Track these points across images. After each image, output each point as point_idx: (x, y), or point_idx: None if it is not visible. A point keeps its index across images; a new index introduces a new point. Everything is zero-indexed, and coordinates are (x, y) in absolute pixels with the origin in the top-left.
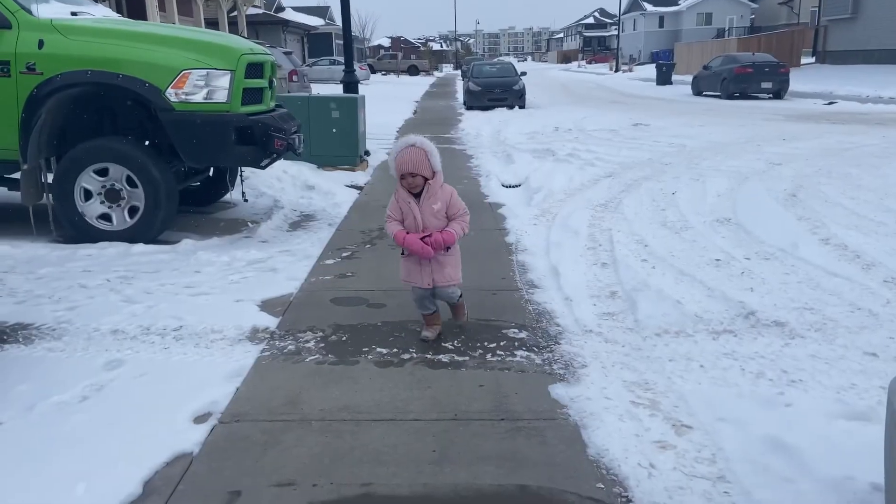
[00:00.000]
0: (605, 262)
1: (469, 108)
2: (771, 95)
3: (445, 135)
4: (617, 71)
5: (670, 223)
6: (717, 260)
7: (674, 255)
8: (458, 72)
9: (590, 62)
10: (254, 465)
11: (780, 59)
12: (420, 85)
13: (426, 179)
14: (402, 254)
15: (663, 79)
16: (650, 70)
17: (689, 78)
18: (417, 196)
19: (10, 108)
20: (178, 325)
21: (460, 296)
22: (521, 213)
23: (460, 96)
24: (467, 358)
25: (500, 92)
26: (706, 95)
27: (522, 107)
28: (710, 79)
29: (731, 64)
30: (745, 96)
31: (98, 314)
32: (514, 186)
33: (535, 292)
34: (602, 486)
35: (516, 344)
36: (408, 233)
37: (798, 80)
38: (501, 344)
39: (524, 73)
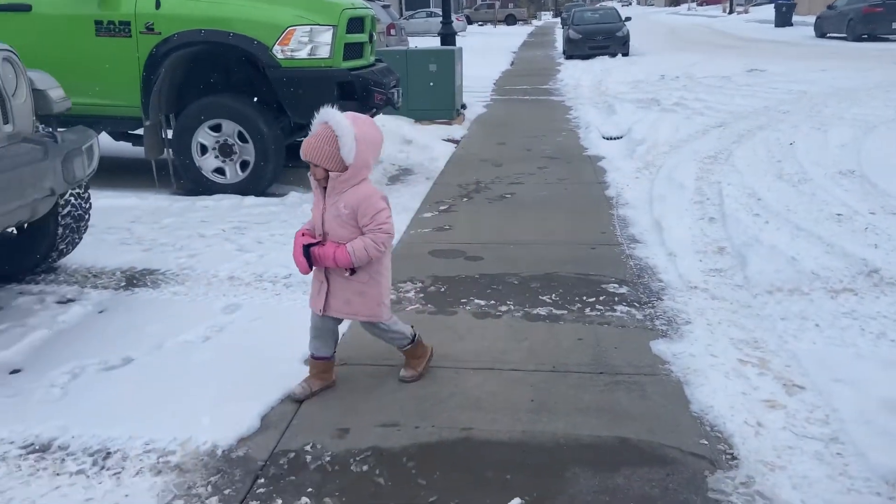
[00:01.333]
0: (713, 217)
1: (569, 57)
2: None
3: (543, 86)
4: (731, 13)
5: (787, 175)
6: (839, 214)
7: (790, 209)
8: (558, 20)
9: (701, 4)
10: (360, 406)
11: None
12: (518, 35)
13: (329, 172)
14: None
15: (783, 20)
16: (768, 11)
17: (812, 19)
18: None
19: (131, 67)
20: (287, 274)
21: (410, 340)
22: (622, 165)
23: (559, 45)
24: (565, 311)
25: (601, 39)
26: (830, 37)
27: (626, 54)
28: (835, 19)
29: (859, 3)
30: (874, 38)
31: (216, 262)
32: (615, 138)
33: (637, 247)
34: (706, 442)
35: (616, 299)
36: (306, 234)
37: None
38: (601, 299)
39: (628, 19)
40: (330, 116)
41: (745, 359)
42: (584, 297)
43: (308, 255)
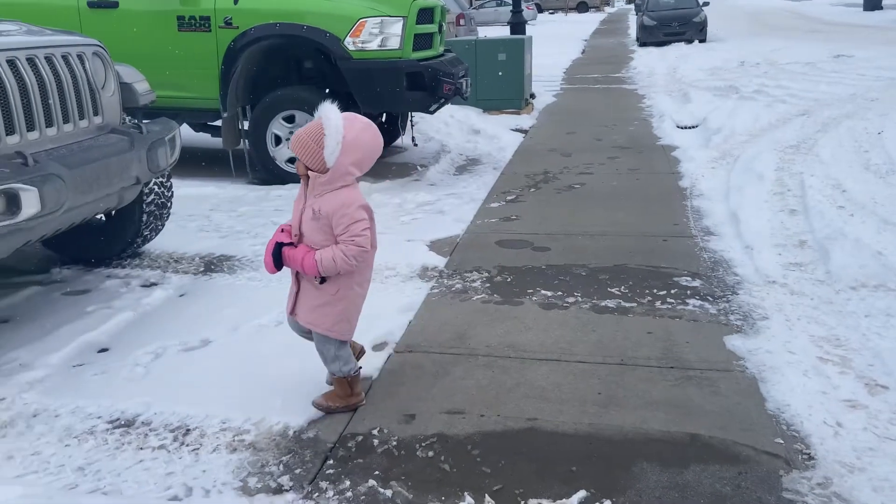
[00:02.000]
0: (794, 209)
1: (642, 44)
2: None
3: (615, 74)
4: None
5: (874, 166)
6: None
7: (877, 201)
8: (632, 6)
9: None
10: (426, 393)
11: None
12: (589, 23)
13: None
14: None
15: (872, 3)
16: None
17: None
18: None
19: (211, 61)
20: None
21: (344, 376)
22: (697, 155)
23: (632, 32)
24: (635, 304)
25: (677, 25)
26: None
27: (703, 41)
28: None
29: None
30: None
31: None
32: (690, 127)
33: (712, 239)
34: (781, 441)
35: (689, 292)
36: (286, 231)
37: None
38: (672, 292)
39: (706, 4)
40: (325, 113)
41: (826, 356)
42: (655, 290)
43: (279, 254)
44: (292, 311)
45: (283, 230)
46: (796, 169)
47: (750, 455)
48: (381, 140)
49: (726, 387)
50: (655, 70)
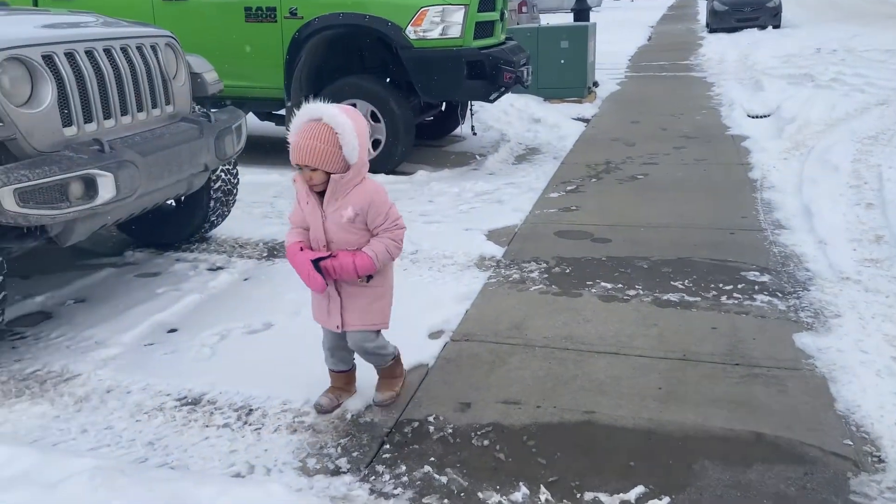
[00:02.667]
0: (871, 203)
1: (712, 30)
2: None
3: (682, 61)
4: None
5: None
6: None
7: None
8: None
9: None
10: (481, 382)
11: None
12: (656, 8)
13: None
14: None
15: None
16: None
17: None
18: (323, 195)
19: (276, 50)
20: (414, 250)
21: (393, 357)
22: (768, 146)
23: (702, 18)
24: (699, 299)
25: (750, 11)
26: None
27: (777, 26)
28: None
29: None
30: None
31: None
32: (761, 117)
33: (782, 233)
34: (850, 443)
35: (756, 287)
36: (304, 248)
37: None
38: (739, 287)
39: None
40: (324, 112)
41: None
42: (721, 285)
43: (319, 269)
44: (342, 327)
45: (302, 248)
46: (874, 161)
47: (817, 456)
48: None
49: (794, 386)
50: (726, 57)
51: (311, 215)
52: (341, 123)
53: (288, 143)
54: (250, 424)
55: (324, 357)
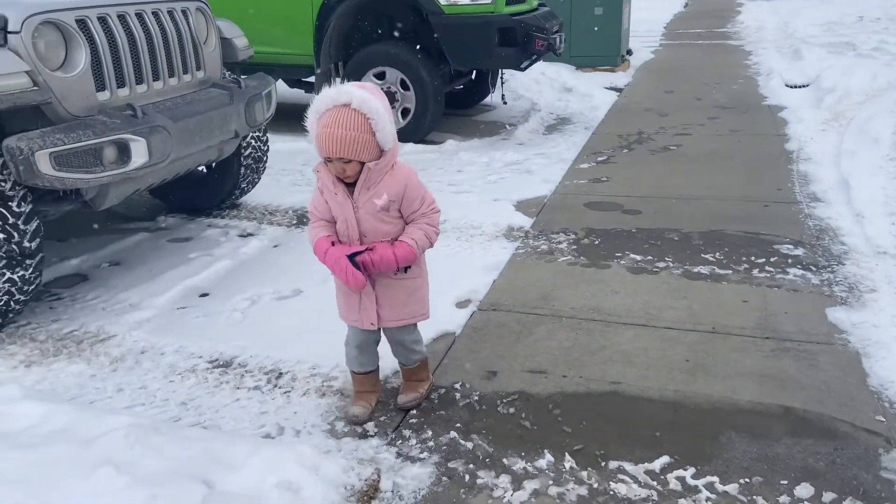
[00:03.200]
0: None
1: None
2: None
3: (719, 29)
4: None
5: None
6: None
7: None
8: None
9: None
10: (508, 351)
11: None
12: None
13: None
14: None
15: None
16: None
17: None
18: (352, 185)
19: (305, 17)
20: (443, 220)
21: (421, 359)
22: (806, 116)
23: None
24: (730, 272)
25: None
26: None
27: None
28: None
29: None
30: None
31: None
32: (800, 86)
33: (818, 206)
34: (883, 419)
35: (790, 261)
36: (335, 242)
37: None
38: (772, 260)
39: None
40: (353, 95)
41: None
42: (753, 258)
43: (357, 265)
44: (378, 323)
45: (333, 243)
46: None
47: (847, 431)
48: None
49: (825, 360)
50: (764, 25)
51: (339, 207)
52: (374, 108)
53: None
54: (280, 388)
55: (347, 358)
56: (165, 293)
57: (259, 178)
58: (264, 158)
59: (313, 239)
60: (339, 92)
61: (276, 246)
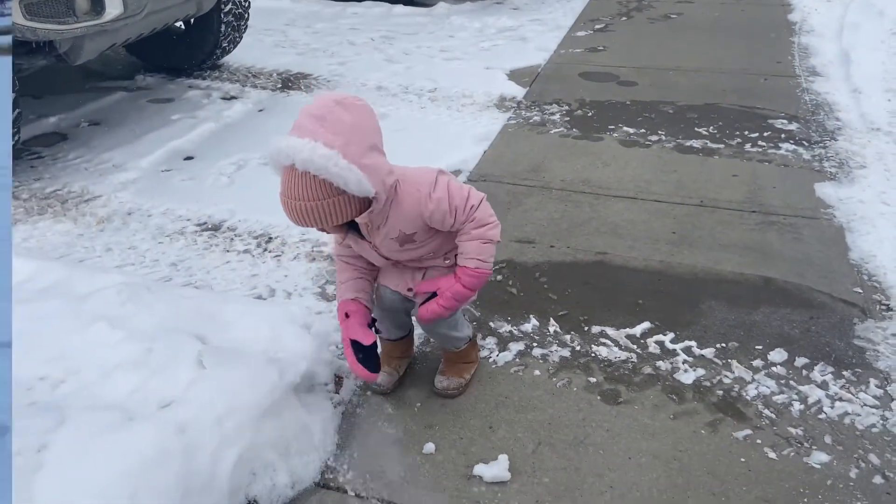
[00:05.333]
0: None
1: None
2: None
3: None
4: None
5: None
6: None
7: None
8: None
9: None
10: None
11: None
12: None
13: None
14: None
15: None
16: None
17: None
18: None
19: None
20: (433, 87)
21: (468, 341)
22: None
23: None
24: (722, 146)
25: None
26: None
27: None
28: None
29: None
30: None
31: (364, 70)
32: None
33: (816, 80)
34: (860, 290)
35: (783, 136)
36: (360, 308)
37: None
38: (765, 134)
39: None
40: (294, 152)
41: None
42: (746, 132)
43: (373, 353)
44: (414, 291)
45: (356, 309)
46: None
47: (825, 302)
48: (369, 106)
49: (810, 234)
50: None
51: (358, 246)
52: (320, 165)
53: None
54: (270, 252)
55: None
56: (149, 155)
57: (241, 38)
58: (245, 16)
59: (338, 297)
60: (279, 148)
61: (261, 110)
